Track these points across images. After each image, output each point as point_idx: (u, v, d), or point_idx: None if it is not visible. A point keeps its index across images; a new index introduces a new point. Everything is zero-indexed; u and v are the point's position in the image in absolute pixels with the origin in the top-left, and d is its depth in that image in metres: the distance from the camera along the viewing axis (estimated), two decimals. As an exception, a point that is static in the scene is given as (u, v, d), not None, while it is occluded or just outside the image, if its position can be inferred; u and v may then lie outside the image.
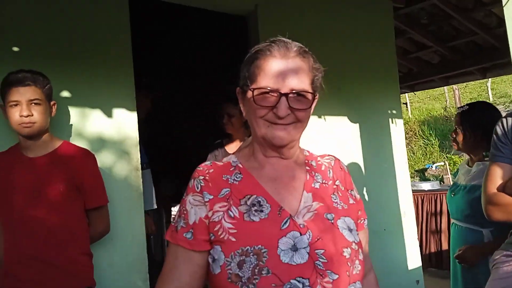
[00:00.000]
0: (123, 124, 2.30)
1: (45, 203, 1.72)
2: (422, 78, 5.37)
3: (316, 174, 1.07)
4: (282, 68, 0.96)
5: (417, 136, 15.03)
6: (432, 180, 7.47)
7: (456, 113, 2.33)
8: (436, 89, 15.92)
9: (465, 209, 2.12)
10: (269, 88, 0.95)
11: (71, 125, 2.15)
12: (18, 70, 1.76)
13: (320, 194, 1.02)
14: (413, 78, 5.39)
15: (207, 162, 1.06)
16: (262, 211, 0.95)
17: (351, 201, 1.08)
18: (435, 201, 5.13)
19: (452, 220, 2.30)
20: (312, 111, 1.03)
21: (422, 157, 13.99)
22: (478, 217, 1.84)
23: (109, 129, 2.25)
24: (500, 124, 1.64)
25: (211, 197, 0.97)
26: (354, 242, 0.98)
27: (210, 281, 0.96)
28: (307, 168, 1.07)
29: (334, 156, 1.15)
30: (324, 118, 3.21)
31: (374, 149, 3.44)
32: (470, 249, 2.07)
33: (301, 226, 0.94)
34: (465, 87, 16.54)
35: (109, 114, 2.27)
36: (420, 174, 8.45)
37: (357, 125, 3.38)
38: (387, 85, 3.62)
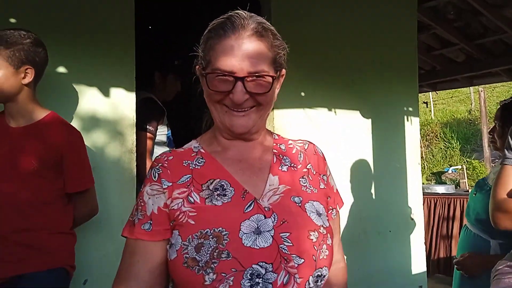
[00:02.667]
0: (120, 104, 2.22)
1: (17, 178, 1.61)
2: (445, 77, 5.15)
3: (285, 157, 1.02)
4: (236, 50, 0.88)
5: (438, 139, 14.68)
6: (448, 184, 7.24)
7: (497, 107, 2.15)
8: (461, 91, 15.50)
9: (481, 212, 1.96)
10: (222, 72, 0.88)
11: (66, 100, 2.07)
12: (5, 29, 1.62)
13: (287, 177, 0.98)
14: (435, 76, 5.17)
15: (167, 150, 1.01)
16: (225, 195, 0.90)
17: (322, 186, 1.03)
18: (449, 205, 4.95)
19: (465, 222, 2.16)
20: (277, 91, 0.98)
21: (442, 160, 13.66)
22: (490, 225, 1.69)
23: (105, 108, 2.17)
24: None
25: (170, 184, 0.91)
26: (322, 226, 0.93)
27: (169, 270, 0.88)
28: (275, 151, 1.02)
29: (309, 141, 1.09)
30: (335, 112, 3.08)
31: (385, 147, 3.29)
32: (472, 258, 1.93)
33: (266, 209, 0.90)
34: (493, 90, 16.03)
35: (106, 93, 2.19)
36: (437, 177, 8.23)
37: (370, 120, 3.23)
38: (405, 82, 3.45)
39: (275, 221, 0.88)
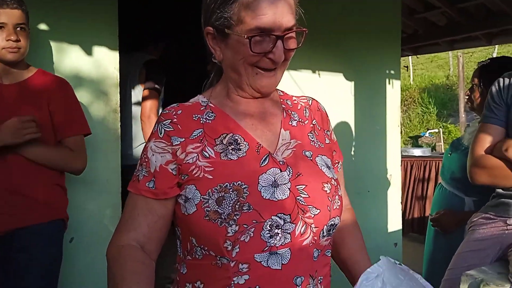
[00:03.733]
0: (104, 63, 2.18)
1: None
2: (427, 41, 5.17)
3: (293, 112, 1.02)
4: (273, 7, 0.85)
5: (416, 103, 14.89)
6: (425, 147, 7.44)
7: (476, 67, 2.17)
8: (439, 56, 15.63)
9: (456, 171, 2.04)
10: (262, 31, 0.86)
11: (48, 59, 2.03)
12: None
13: (297, 132, 0.99)
14: (417, 40, 5.18)
15: (174, 104, 0.97)
16: (239, 149, 0.91)
17: (327, 141, 1.05)
18: (424, 167, 5.10)
19: (439, 181, 2.24)
20: None
21: (419, 125, 13.92)
22: (464, 183, 1.77)
23: (88, 67, 2.14)
24: (496, 83, 1.54)
25: (182, 139, 0.91)
26: (333, 178, 0.96)
27: (181, 224, 0.91)
28: (283, 106, 1.02)
29: (312, 98, 1.10)
30: (319, 74, 3.09)
31: (367, 109, 3.34)
32: (448, 215, 2.03)
33: (281, 163, 0.91)
34: (471, 56, 16.23)
35: (88, 52, 2.15)
36: (414, 141, 8.43)
37: (352, 83, 3.27)
38: (388, 45, 3.46)
39: (291, 174, 0.90)
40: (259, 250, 0.84)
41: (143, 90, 2.63)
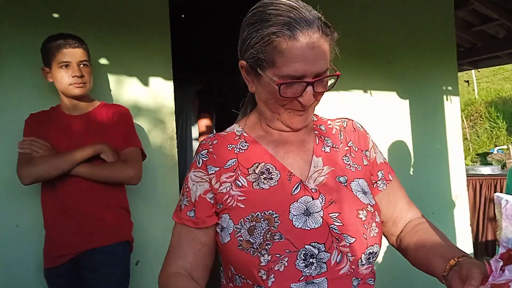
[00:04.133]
0: (160, 93, 2.31)
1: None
2: (486, 54, 4.95)
3: (326, 138, 1.02)
4: (307, 54, 0.84)
5: (483, 118, 14.08)
6: (494, 165, 6.98)
7: None
8: (505, 68, 14.77)
9: None
10: (293, 79, 0.86)
11: (109, 91, 2.18)
12: (58, 33, 1.80)
13: (331, 157, 0.98)
14: (476, 53, 4.98)
15: (210, 135, 1.02)
16: (271, 178, 0.92)
17: (365, 163, 1.02)
18: (495, 186, 4.78)
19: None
20: None
21: (488, 141, 13.11)
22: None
23: (145, 97, 2.27)
24: None
25: (217, 169, 0.94)
26: (369, 204, 0.93)
27: (221, 253, 0.94)
28: (316, 132, 1.02)
29: (347, 118, 1.09)
30: (370, 93, 3.05)
31: (424, 128, 3.23)
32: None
33: (313, 190, 0.91)
34: (541, 66, 15.18)
35: (145, 82, 2.28)
36: (482, 158, 7.94)
37: (407, 101, 3.18)
38: (443, 60, 3.36)
39: (323, 202, 0.89)
40: (295, 280, 0.83)
41: (198, 117, 2.83)
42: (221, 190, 0.92)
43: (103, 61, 2.17)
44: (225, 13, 4.71)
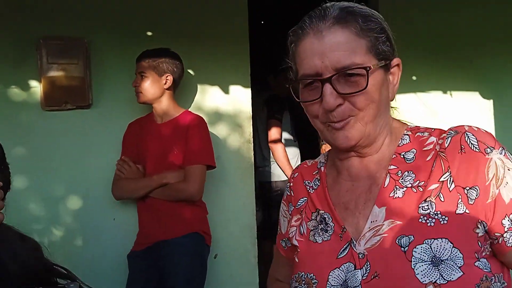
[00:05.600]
0: (238, 100, 2.48)
1: (167, 165, 2.02)
2: None
3: (406, 173, 0.76)
4: (316, 46, 0.73)
5: None
6: None
7: None
8: None
9: None
10: (306, 77, 0.74)
11: (194, 99, 2.40)
12: (153, 48, 2.07)
13: (400, 206, 0.74)
14: None
15: (299, 164, 0.97)
16: (326, 230, 0.80)
17: (462, 210, 0.70)
18: None
19: None
20: (392, 87, 0.78)
21: None
22: None
23: (225, 104, 2.46)
24: None
25: (292, 208, 0.90)
26: (434, 283, 0.66)
27: None
28: (392, 167, 0.78)
29: (458, 129, 0.76)
30: (450, 94, 2.97)
31: (510, 129, 3.06)
32: None
33: (360, 256, 0.74)
34: None
35: (226, 90, 2.47)
36: None
37: (491, 101, 3.05)
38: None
39: (366, 274, 0.72)
40: None
41: (267, 122, 3.05)
42: (290, 233, 0.88)
43: (191, 72, 2.39)
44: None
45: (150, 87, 2.03)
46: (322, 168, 0.87)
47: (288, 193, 0.90)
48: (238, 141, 2.48)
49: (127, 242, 2.08)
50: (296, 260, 0.82)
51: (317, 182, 0.86)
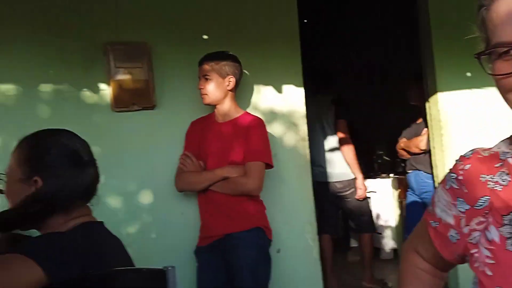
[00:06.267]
0: (292, 99, 2.54)
1: (227, 161, 2.09)
2: None
3: None
4: None
5: None
6: None
7: None
8: None
9: None
10: (503, 45, 0.63)
11: (250, 100, 2.47)
12: (215, 51, 2.15)
13: None
14: None
15: (468, 152, 0.76)
16: None
17: None
18: None
19: None
20: None
21: None
22: None
23: (280, 103, 2.52)
24: None
25: (468, 207, 0.72)
26: None
27: None
28: None
29: None
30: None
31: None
32: None
33: None
34: None
35: (279, 90, 2.54)
36: None
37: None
38: None
39: None
40: None
41: (334, 123, 3.26)
42: (471, 239, 0.71)
43: (246, 72, 2.47)
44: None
45: (214, 89, 2.11)
46: (510, 160, 0.69)
47: (456, 187, 0.74)
48: (294, 139, 2.53)
49: (196, 236, 2.15)
50: (489, 273, 0.67)
51: (506, 178, 0.68)
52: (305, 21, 4.48)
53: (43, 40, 2.13)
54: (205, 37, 2.45)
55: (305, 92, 2.58)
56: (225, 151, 2.11)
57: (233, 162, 2.08)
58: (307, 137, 2.56)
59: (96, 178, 1.19)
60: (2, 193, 1.18)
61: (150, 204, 2.23)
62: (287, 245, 2.39)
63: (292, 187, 2.45)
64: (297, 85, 2.56)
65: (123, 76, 2.19)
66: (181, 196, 2.22)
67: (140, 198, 2.21)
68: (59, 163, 1.12)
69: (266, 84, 2.51)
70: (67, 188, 1.10)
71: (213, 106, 2.19)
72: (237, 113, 2.18)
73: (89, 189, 1.16)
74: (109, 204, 2.10)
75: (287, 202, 2.44)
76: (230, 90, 2.15)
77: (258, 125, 2.15)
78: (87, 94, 2.18)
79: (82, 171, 1.14)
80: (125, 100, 2.19)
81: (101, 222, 1.20)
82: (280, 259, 2.33)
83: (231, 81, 2.14)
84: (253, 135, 2.10)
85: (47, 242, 1.04)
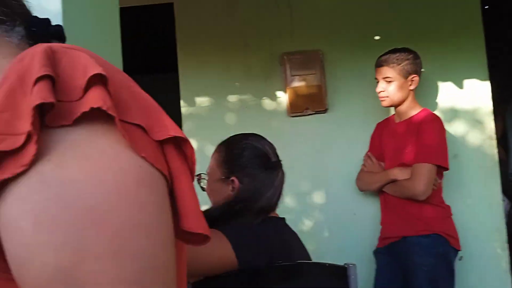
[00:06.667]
0: (475, 94, 2.33)
1: (399, 162, 2.04)
2: None
3: None
4: None
5: None
6: None
7: None
8: None
9: None
10: None
11: (428, 97, 2.33)
12: (391, 49, 2.06)
13: None
14: None
15: None
16: None
17: None
18: None
19: None
20: None
21: None
22: None
23: (461, 100, 2.33)
24: None
25: None
26: None
27: None
28: None
29: None
30: None
31: None
32: None
33: None
34: None
35: (460, 85, 2.35)
36: None
37: None
38: None
39: None
40: None
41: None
42: None
43: (426, 71, 2.35)
44: None
45: (397, 90, 2.03)
46: None
47: None
48: (479, 138, 2.30)
49: (368, 236, 2.16)
50: None
51: None
52: (486, 7, 4.02)
53: (229, 56, 2.42)
54: (376, 37, 2.43)
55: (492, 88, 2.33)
56: (398, 151, 2.06)
57: (404, 163, 2.02)
58: (494, 136, 2.30)
59: (282, 179, 1.28)
60: (204, 190, 1.36)
61: (323, 204, 2.32)
62: (470, 253, 2.19)
63: (476, 191, 2.24)
64: (481, 79, 2.33)
65: (298, 83, 2.34)
66: (353, 197, 2.25)
67: (313, 197, 2.32)
68: (252, 164, 1.23)
69: (445, 80, 2.35)
70: (261, 188, 1.20)
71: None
72: (415, 111, 2.08)
73: (277, 189, 1.25)
74: (286, 203, 2.26)
75: (472, 207, 2.24)
76: (411, 90, 2.06)
77: (430, 120, 2.02)
78: (266, 101, 2.39)
79: (271, 172, 1.24)
80: (300, 105, 2.33)
81: (283, 218, 1.30)
82: (463, 269, 2.16)
83: (414, 80, 2.03)
84: (424, 132, 1.99)
85: (243, 231, 1.15)
